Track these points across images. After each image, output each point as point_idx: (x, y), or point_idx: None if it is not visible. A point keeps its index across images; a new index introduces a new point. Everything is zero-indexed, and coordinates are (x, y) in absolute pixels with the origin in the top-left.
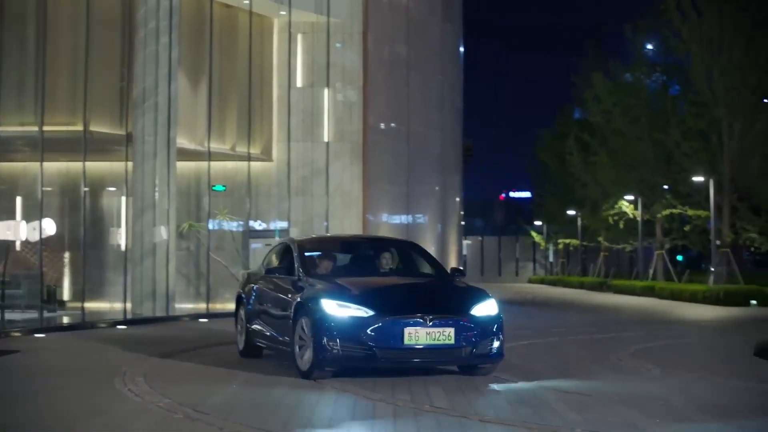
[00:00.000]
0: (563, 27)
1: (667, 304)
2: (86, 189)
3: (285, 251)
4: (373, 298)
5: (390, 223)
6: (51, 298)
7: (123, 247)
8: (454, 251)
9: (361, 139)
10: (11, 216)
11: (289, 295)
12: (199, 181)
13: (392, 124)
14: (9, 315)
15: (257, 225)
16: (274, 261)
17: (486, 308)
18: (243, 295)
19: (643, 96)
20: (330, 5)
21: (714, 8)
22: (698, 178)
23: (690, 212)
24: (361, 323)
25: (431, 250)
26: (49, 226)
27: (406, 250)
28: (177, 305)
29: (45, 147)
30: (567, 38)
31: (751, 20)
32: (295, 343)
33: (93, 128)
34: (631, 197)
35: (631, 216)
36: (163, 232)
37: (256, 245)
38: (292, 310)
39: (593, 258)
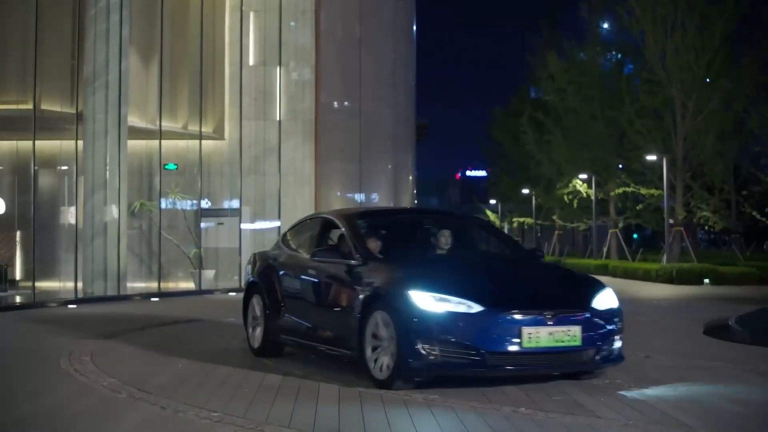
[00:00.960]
0: (521, 4)
1: (621, 283)
2: (36, 168)
3: (324, 229)
4: (478, 289)
5: (343, 201)
6: (1, 278)
7: (75, 227)
8: None
9: (314, 118)
10: None
11: (350, 284)
12: (150, 160)
13: (344, 103)
14: None
15: (204, 203)
16: (304, 240)
17: (606, 300)
18: (259, 282)
19: (596, 74)
20: None
21: None
22: (651, 157)
23: (643, 191)
24: (466, 321)
25: None
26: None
27: (469, 226)
28: (129, 284)
29: None
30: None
31: None
32: (367, 345)
33: (44, 107)
34: (584, 176)
35: (584, 195)
36: (114, 211)
37: (208, 224)
38: (359, 304)
39: (548, 237)
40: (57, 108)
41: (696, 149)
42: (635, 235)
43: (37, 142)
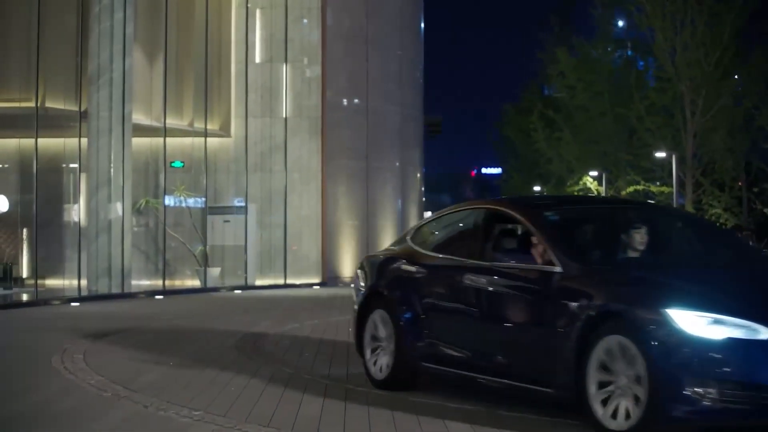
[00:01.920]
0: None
1: None
2: (39, 165)
3: (488, 224)
4: (764, 307)
5: (349, 198)
6: (6, 276)
7: (79, 224)
8: None
9: (320, 115)
10: None
11: (553, 299)
12: (156, 158)
13: (351, 100)
14: None
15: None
16: (452, 239)
17: None
18: (386, 293)
19: (606, 71)
20: None
21: None
22: (661, 154)
23: (653, 188)
24: (752, 351)
25: (391, 226)
26: (2, 203)
27: (674, 218)
28: (134, 282)
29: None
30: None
31: None
32: (591, 382)
33: (47, 104)
34: (594, 173)
35: (594, 192)
36: (118, 209)
37: (214, 220)
38: (575, 326)
39: None
40: (60, 105)
41: (706, 146)
42: None
43: (41, 139)
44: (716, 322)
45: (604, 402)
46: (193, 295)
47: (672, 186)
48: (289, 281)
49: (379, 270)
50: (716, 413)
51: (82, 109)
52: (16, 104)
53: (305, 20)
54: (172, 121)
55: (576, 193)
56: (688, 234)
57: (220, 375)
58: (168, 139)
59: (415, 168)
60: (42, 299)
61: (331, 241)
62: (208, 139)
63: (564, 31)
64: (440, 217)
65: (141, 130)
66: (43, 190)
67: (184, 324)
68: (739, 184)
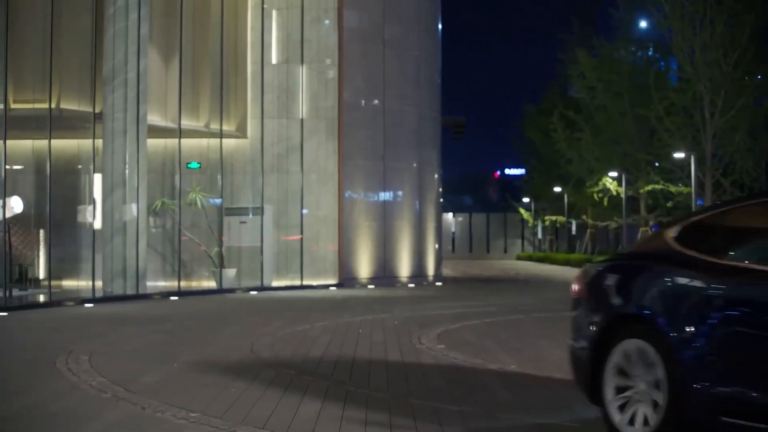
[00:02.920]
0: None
1: None
2: (53, 168)
3: None
4: None
5: (366, 199)
6: (22, 277)
7: (94, 225)
8: (432, 228)
9: (337, 116)
10: None
11: None
12: (172, 159)
13: (368, 101)
14: None
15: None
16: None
17: None
18: (649, 318)
19: (625, 71)
20: None
21: None
22: (680, 155)
23: (672, 188)
24: None
25: (409, 227)
26: (17, 205)
27: None
28: (149, 283)
29: (14, 125)
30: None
31: None
32: None
33: (63, 106)
34: (614, 174)
35: (614, 193)
36: (133, 210)
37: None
38: None
39: (583, 235)
40: (75, 107)
41: (726, 146)
42: None
43: (55, 141)
44: None
45: None
46: (209, 296)
47: (691, 186)
48: (306, 282)
49: (632, 284)
50: None
51: (97, 110)
52: (31, 105)
53: (326, 21)
54: (188, 122)
55: (595, 195)
56: None
57: (221, 377)
58: (184, 140)
59: (432, 169)
60: (56, 300)
61: (347, 243)
62: (224, 140)
63: (585, 32)
64: (724, 211)
65: (156, 131)
66: (58, 191)
67: (194, 325)
68: None
